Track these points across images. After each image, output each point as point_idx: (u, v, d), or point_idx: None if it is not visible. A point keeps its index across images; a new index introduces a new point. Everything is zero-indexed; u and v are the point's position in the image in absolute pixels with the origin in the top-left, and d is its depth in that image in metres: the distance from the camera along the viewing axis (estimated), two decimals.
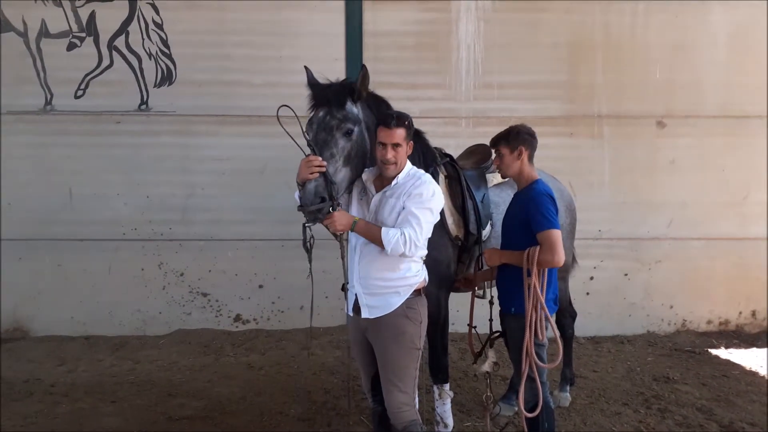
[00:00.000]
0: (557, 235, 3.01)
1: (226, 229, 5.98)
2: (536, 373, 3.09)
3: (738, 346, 5.83)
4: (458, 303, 4.02)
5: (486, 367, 3.51)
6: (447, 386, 3.74)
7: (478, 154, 4.08)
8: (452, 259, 3.66)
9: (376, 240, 2.85)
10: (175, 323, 6.01)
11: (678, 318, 6.20)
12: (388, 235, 2.81)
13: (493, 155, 3.37)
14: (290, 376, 4.98)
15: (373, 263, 2.93)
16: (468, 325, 3.66)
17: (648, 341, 5.93)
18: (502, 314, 3.32)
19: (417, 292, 2.99)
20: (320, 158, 2.83)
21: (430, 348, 3.73)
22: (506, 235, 3.35)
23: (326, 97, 3.03)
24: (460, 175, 3.74)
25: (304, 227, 2.93)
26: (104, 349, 5.61)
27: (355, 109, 3.08)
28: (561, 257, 3.01)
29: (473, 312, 3.63)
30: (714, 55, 6.02)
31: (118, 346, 5.67)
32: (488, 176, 3.91)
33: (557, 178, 4.34)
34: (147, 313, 6.00)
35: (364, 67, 3.10)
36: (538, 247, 3.03)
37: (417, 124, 3.19)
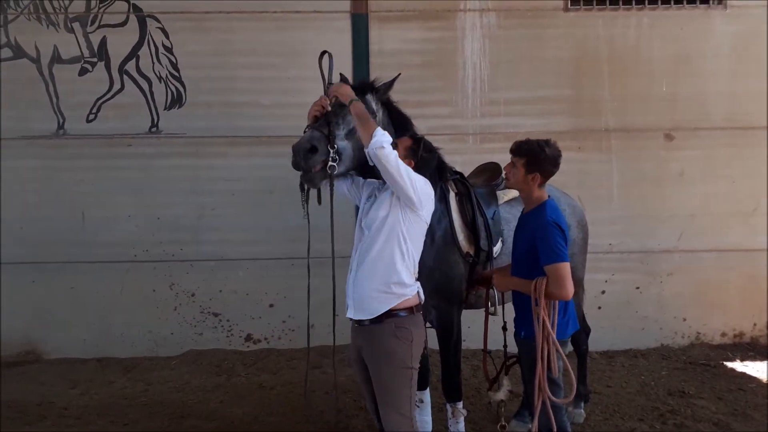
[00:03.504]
0: (565, 268, 2.95)
1: (236, 249, 5.99)
2: (549, 404, 3.04)
3: (753, 358, 5.75)
4: (469, 320, 4.00)
5: (501, 395, 3.48)
6: (460, 404, 3.73)
7: (488, 172, 4.10)
8: (464, 276, 3.66)
9: (367, 126, 2.89)
10: (186, 344, 6.01)
11: (692, 331, 6.13)
12: (384, 133, 2.86)
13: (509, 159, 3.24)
14: (302, 395, 4.95)
15: (369, 267, 2.95)
16: (482, 350, 3.63)
17: (662, 355, 5.86)
18: (514, 335, 3.30)
19: (410, 311, 2.97)
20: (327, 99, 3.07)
21: (442, 366, 3.72)
22: (515, 258, 3.30)
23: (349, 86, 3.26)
24: (470, 192, 3.76)
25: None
26: (116, 370, 5.61)
27: (373, 104, 3.27)
28: (569, 291, 2.95)
29: (487, 335, 3.60)
30: (719, 65, 6.01)
31: (130, 368, 5.67)
32: (499, 193, 3.92)
33: (568, 194, 4.34)
34: (159, 333, 6.01)
35: (399, 75, 3.36)
36: (545, 279, 2.96)
37: None
